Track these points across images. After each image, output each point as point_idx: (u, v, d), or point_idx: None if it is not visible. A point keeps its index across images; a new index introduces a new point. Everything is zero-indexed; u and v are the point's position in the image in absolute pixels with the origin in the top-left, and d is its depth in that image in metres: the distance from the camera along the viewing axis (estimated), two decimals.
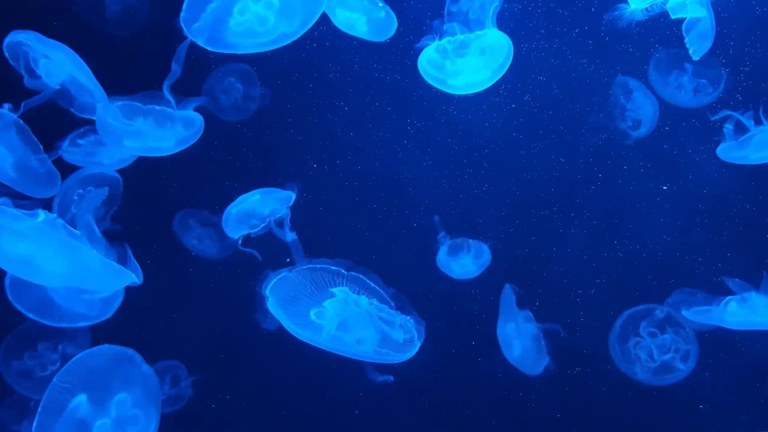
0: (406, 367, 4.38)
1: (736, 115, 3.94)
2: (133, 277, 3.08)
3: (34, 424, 2.87)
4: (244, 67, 4.44)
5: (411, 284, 4.38)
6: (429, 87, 3.97)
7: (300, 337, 3.24)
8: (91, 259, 2.95)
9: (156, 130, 3.52)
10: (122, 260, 3.17)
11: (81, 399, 2.96)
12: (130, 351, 3.10)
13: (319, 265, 3.22)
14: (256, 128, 4.56)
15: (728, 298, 3.91)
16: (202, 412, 4.48)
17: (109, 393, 3.01)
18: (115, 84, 3.61)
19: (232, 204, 3.85)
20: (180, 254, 4.41)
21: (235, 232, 3.73)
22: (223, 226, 3.82)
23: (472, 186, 4.71)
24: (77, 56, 3.51)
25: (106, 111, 3.49)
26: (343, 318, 3.17)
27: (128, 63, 4.37)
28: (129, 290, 3.88)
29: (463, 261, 4.60)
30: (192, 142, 3.68)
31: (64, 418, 2.92)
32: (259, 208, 3.70)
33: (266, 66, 4.47)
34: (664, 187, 4.57)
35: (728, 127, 3.98)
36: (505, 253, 4.64)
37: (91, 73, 3.54)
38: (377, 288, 3.27)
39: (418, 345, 3.24)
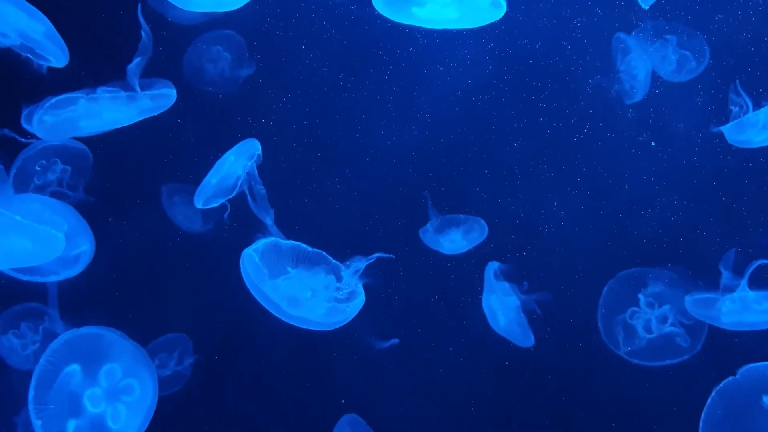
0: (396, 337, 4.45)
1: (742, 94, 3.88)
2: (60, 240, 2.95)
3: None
4: (231, 35, 4.37)
5: (399, 260, 4.42)
6: (422, 56, 3.93)
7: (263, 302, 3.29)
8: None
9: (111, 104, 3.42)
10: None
11: (73, 368, 2.91)
12: (113, 330, 3.05)
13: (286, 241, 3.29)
14: (243, 99, 4.50)
15: (724, 297, 3.82)
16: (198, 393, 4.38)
17: (97, 366, 2.96)
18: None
19: (209, 174, 3.73)
20: (166, 228, 4.33)
21: (215, 201, 3.64)
22: (199, 195, 3.70)
23: (460, 156, 4.68)
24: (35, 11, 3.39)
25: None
26: (294, 294, 3.23)
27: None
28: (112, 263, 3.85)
29: (452, 236, 4.57)
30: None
31: (56, 391, 2.86)
32: (234, 169, 3.61)
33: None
34: (653, 143, 4.53)
35: (734, 109, 3.92)
36: (498, 226, 4.61)
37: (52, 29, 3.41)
38: (333, 260, 3.31)
39: (361, 295, 3.28)
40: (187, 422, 4.35)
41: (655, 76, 4.51)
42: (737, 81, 3.80)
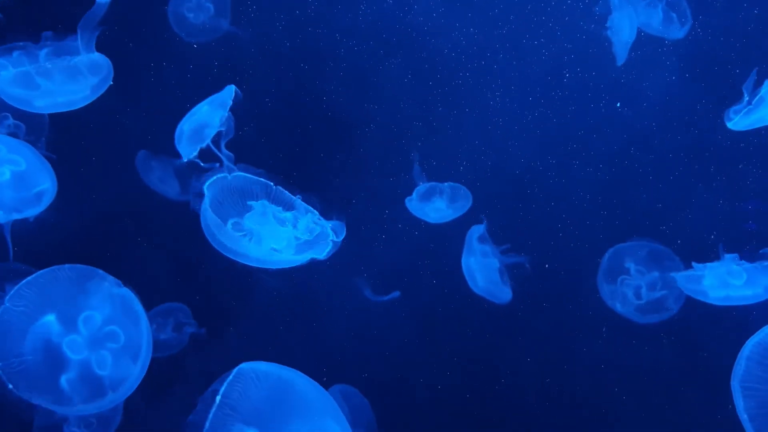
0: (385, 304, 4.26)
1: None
2: None
3: None
4: None
5: (384, 229, 4.25)
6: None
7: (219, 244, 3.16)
8: None
9: (64, 86, 3.26)
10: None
11: (49, 318, 2.67)
12: (93, 269, 2.78)
13: (250, 175, 3.23)
14: (224, 50, 4.31)
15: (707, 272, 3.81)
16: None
17: (76, 312, 2.71)
18: None
19: (182, 120, 3.54)
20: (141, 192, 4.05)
21: (190, 150, 3.41)
22: (176, 145, 3.51)
23: (447, 121, 4.57)
24: None
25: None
26: (259, 230, 3.15)
27: None
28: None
29: (436, 205, 4.43)
30: (106, 85, 3.39)
31: (30, 339, 2.60)
32: (209, 118, 3.43)
33: None
34: (618, 105, 4.45)
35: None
36: (486, 192, 4.50)
37: None
38: (300, 201, 3.27)
39: (332, 237, 3.23)
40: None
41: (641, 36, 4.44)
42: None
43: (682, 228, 4.46)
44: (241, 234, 3.09)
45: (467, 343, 4.60)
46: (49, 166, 3.29)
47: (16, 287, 2.62)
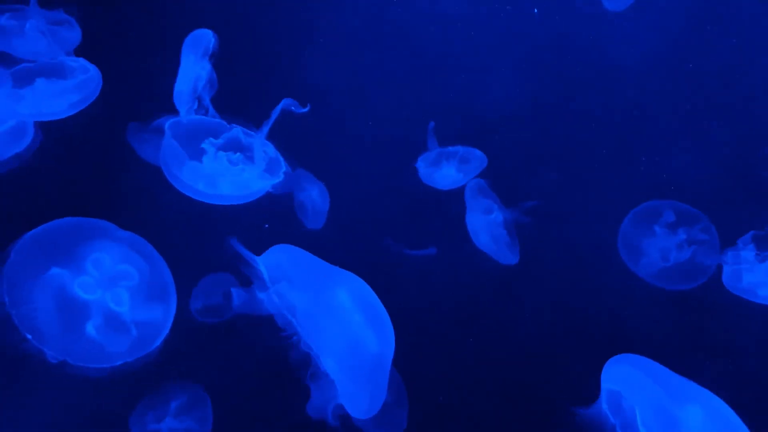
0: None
1: None
2: None
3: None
4: None
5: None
6: None
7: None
8: None
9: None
10: None
11: (58, 269, 2.60)
12: (95, 219, 2.73)
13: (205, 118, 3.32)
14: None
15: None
16: None
17: (83, 258, 2.64)
18: None
19: (177, 81, 3.45)
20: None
21: (190, 109, 3.37)
22: (178, 107, 3.43)
23: (454, 85, 4.49)
24: None
25: None
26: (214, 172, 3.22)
27: None
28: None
29: (445, 171, 4.34)
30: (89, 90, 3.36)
31: (42, 290, 2.54)
32: (199, 70, 3.40)
33: None
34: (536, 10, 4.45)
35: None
36: (500, 156, 4.38)
37: None
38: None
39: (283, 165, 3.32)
40: None
41: None
42: None
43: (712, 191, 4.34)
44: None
45: (469, 297, 4.40)
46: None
47: (20, 241, 2.55)
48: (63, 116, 3.26)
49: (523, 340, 4.33)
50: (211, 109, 3.31)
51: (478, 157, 4.32)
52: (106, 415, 3.30)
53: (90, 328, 2.57)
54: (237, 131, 3.29)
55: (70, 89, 3.22)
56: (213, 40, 3.33)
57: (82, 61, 3.32)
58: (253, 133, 3.31)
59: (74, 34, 3.49)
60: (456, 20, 4.52)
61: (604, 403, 2.95)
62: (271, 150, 3.32)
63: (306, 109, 3.35)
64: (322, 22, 4.41)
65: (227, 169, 3.19)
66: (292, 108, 3.33)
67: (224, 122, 3.30)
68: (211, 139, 3.22)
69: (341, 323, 2.58)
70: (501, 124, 4.45)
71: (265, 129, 3.28)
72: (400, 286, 4.30)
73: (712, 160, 4.40)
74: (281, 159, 3.34)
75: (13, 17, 3.34)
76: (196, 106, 3.32)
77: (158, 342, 2.66)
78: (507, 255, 4.34)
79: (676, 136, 4.47)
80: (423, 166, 4.32)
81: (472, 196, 4.38)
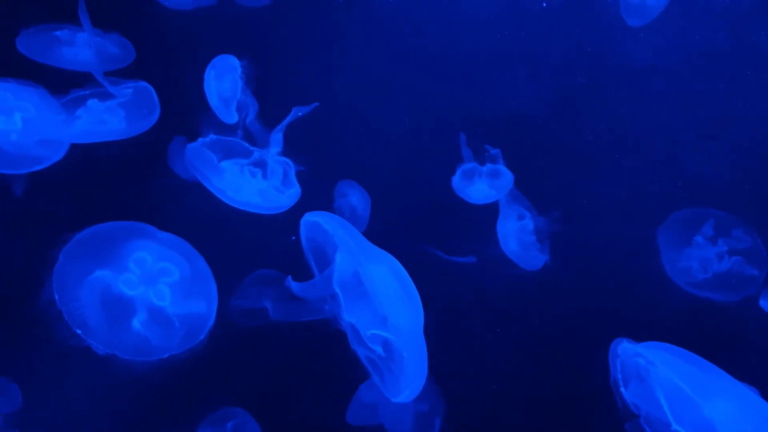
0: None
1: None
2: None
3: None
4: None
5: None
6: None
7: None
8: None
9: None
10: None
11: (102, 271, 2.75)
12: (136, 223, 2.89)
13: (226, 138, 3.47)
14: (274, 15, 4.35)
15: None
16: None
17: (125, 258, 2.79)
18: None
19: (211, 97, 3.63)
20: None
21: (233, 114, 3.57)
22: (222, 118, 3.60)
23: (490, 98, 4.52)
24: None
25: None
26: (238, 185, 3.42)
27: None
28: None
29: (477, 186, 4.35)
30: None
31: (88, 290, 2.68)
32: (228, 85, 3.58)
33: None
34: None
35: None
36: (531, 171, 4.40)
37: None
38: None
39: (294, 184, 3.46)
40: None
41: None
42: None
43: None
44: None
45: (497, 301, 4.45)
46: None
47: (68, 244, 2.72)
48: (121, 137, 3.47)
49: (554, 348, 4.33)
50: (250, 118, 3.48)
51: (510, 175, 4.34)
52: (150, 409, 3.42)
53: (135, 323, 2.70)
54: (258, 150, 3.47)
55: (121, 110, 3.42)
56: (235, 59, 3.54)
57: (133, 83, 3.51)
58: (273, 148, 3.48)
59: (122, 51, 3.76)
60: (478, 28, 4.56)
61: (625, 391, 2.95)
62: (282, 164, 3.48)
63: (314, 105, 3.48)
64: (343, 32, 4.51)
65: (249, 181, 3.39)
66: (299, 113, 3.47)
67: (246, 143, 3.48)
68: (238, 158, 3.42)
69: (387, 293, 2.67)
70: (530, 130, 4.50)
71: (277, 140, 3.46)
72: (434, 291, 4.38)
73: (738, 167, 4.39)
74: (292, 173, 3.49)
75: (68, 32, 3.65)
76: (237, 120, 3.50)
77: (203, 335, 2.79)
78: (535, 262, 4.35)
79: (706, 142, 4.46)
80: (456, 180, 4.36)
81: (506, 203, 4.39)
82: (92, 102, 3.37)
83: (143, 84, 3.49)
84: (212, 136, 3.40)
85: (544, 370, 4.31)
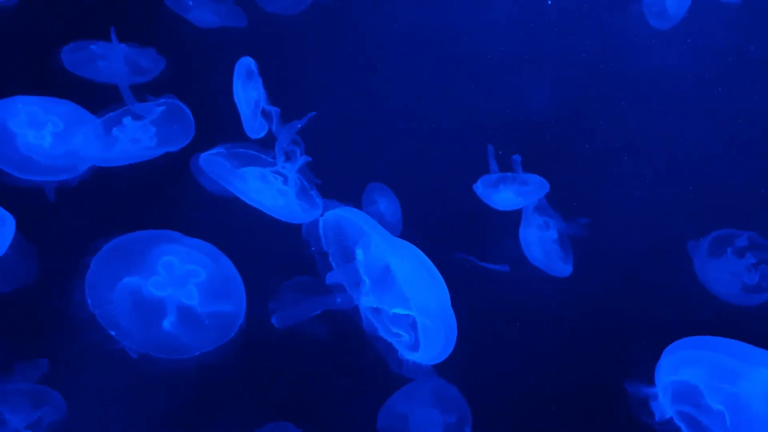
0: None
1: None
2: None
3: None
4: None
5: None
6: None
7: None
8: None
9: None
10: None
11: (132, 277, 2.86)
12: (162, 230, 2.99)
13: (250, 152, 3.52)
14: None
15: None
16: None
17: (153, 263, 2.89)
18: None
19: (242, 114, 3.67)
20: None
21: (259, 128, 3.62)
22: (250, 134, 3.64)
23: (514, 103, 4.58)
24: None
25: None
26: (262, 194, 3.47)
27: None
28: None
29: (503, 194, 4.38)
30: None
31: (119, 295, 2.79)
32: (251, 93, 3.61)
33: None
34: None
35: None
36: (552, 176, 4.40)
37: None
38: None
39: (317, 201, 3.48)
40: None
41: None
42: None
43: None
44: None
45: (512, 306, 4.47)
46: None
47: (100, 251, 2.83)
48: (155, 154, 3.55)
49: (585, 356, 4.32)
50: (275, 125, 3.52)
51: (537, 182, 4.35)
52: (186, 407, 3.48)
53: (166, 323, 2.79)
54: (278, 161, 3.50)
55: (152, 127, 3.51)
56: (252, 62, 3.55)
57: (165, 99, 3.60)
58: (291, 160, 3.51)
59: (154, 65, 3.91)
60: (503, 33, 4.63)
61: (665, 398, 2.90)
62: (295, 174, 3.51)
63: (312, 114, 3.55)
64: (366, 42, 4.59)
65: (267, 188, 3.45)
66: (299, 124, 3.54)
67: (264, 155, 3.51)
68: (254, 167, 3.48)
69: (412, 274, 2.73)
70: (553, 135, 4.56)
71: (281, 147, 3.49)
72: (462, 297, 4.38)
73: (765, 171, 4.43)
74: (306, 184, 3.51)
75: (102, 46, 3.83)
76: (265, 130, 3.56)
77: (233, 334, 2.87)
78: (559, 269, 4.37)
79: (728, 146, 4.50)
80: (481, 188, 4.37)
81: (529, 210, 4.42)
82: (127, 120, 3.46)
83: (174, 101, 3.58)
84: (231, 146, 3.46)
85: (574, 379, 4.31)
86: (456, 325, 2.90)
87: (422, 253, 2.79)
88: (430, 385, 4.07)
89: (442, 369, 4.03)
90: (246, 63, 3.53)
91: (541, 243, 4.39)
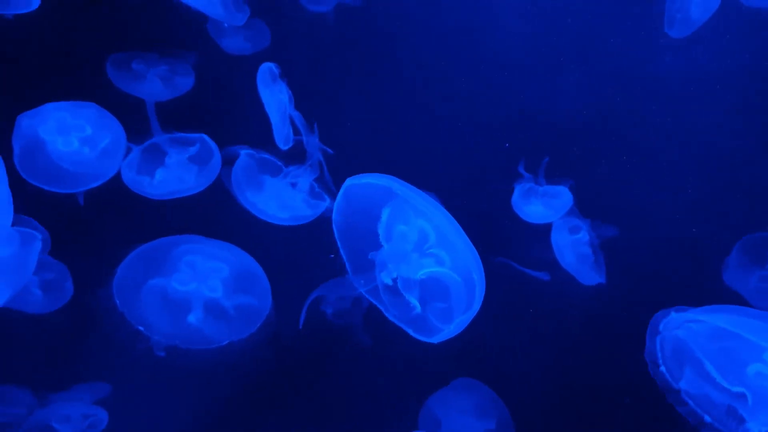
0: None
1: None
2: None
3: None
4: None
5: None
6: None
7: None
8: None
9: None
10: None
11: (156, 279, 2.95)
12: (181, 235, 3.09)
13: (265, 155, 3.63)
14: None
15: None
16: None
17: (175, 262, 2.99)
18: None
19: (272, 120, 3.74)
20: None
21: (287, 137, 3.70)
22: (279, 143, 3.71)
23: (542, 107, 4.57)
24: None
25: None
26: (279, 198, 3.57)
27: None
28: None
29: (533, 207, 4.37)
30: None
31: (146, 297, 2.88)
32: (278, 95, 3.68)
33: None
34: None
35: None
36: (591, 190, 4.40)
37: None
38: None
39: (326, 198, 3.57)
40: None
41: None
42: None
43: None
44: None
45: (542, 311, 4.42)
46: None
47: (126, 258, 2.95)
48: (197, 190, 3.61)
49: (622, 362, 4.28)
50: (303, 129, 3.62)
51: (566, 194, 4.33)
52: (216, 400, 3.52)
53: (192, 315, 2.89)
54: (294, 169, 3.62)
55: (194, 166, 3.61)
56: (274, 67, 3.62)
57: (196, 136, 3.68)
58: (309, 168, 3.62)
59: (189, 80, 3.96)
60: (527, 38, 4.64)
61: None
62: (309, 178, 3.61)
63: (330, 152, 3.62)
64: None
65: (279, 192, 3.55)
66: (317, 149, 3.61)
67: (281, 163, 3.63)
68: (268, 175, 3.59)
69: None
70: (581, 139, 4.51)
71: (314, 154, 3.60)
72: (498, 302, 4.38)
73: None
74: (320, 189, 3.61)
75: (142, 62, 3.88)
76: (292, 139, 3.65)
77: (259, 324, 2.95)
78: (591, 275, 4.32)
79: (756, 151, 4.44)
80: (513, 198, 4.35)
81: (560, 217, 4.37)
82: (169, 160, 3.55)
83: (204, 137, 3.64)
84: (253, 152, 3.57)
85: (612, 386, 4.21)
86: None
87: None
88: (467, 390, 4.09)
89: (477, 373, 4.06)
90: (268, 68, 3.60)
91: (573, 248, 4.36)
